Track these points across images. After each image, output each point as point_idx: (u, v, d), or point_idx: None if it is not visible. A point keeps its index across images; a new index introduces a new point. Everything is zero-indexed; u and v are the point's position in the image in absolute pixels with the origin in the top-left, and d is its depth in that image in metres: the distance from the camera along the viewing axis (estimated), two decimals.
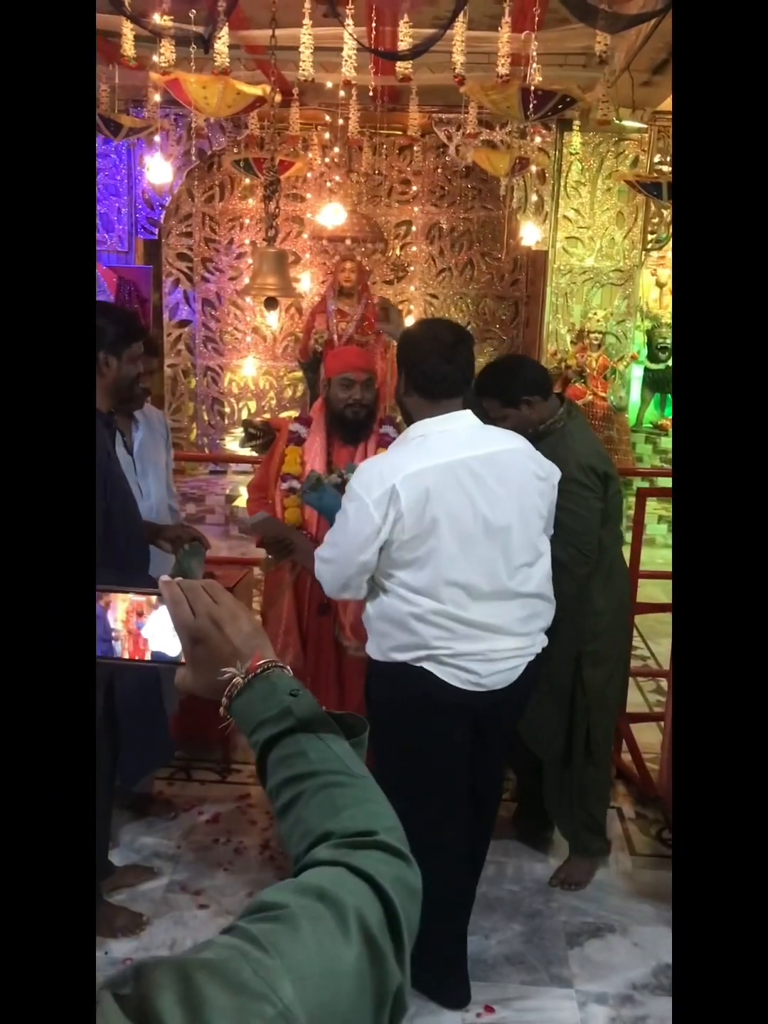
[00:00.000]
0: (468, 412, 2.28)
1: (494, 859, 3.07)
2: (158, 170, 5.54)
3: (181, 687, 1.06)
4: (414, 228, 7.83)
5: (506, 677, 2.30)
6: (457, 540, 2.17)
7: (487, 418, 2.57)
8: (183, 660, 1.04)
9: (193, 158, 6.76)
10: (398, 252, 7.85)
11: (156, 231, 7.15)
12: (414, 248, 7.86)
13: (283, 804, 0.95)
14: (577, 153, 6.52)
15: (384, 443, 2.99)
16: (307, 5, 3.45)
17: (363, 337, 7.16)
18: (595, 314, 6.80)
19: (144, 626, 1.06)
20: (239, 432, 7.78)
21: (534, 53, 3.83)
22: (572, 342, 6.88)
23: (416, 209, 7.77)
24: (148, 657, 1.06)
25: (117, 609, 1.06)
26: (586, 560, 2.73)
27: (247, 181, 7.13)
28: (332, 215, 6.87)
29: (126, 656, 1.05)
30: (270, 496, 3.05)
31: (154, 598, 1.05)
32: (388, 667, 2.29)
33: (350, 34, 3.22)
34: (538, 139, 6.44)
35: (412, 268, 7.90)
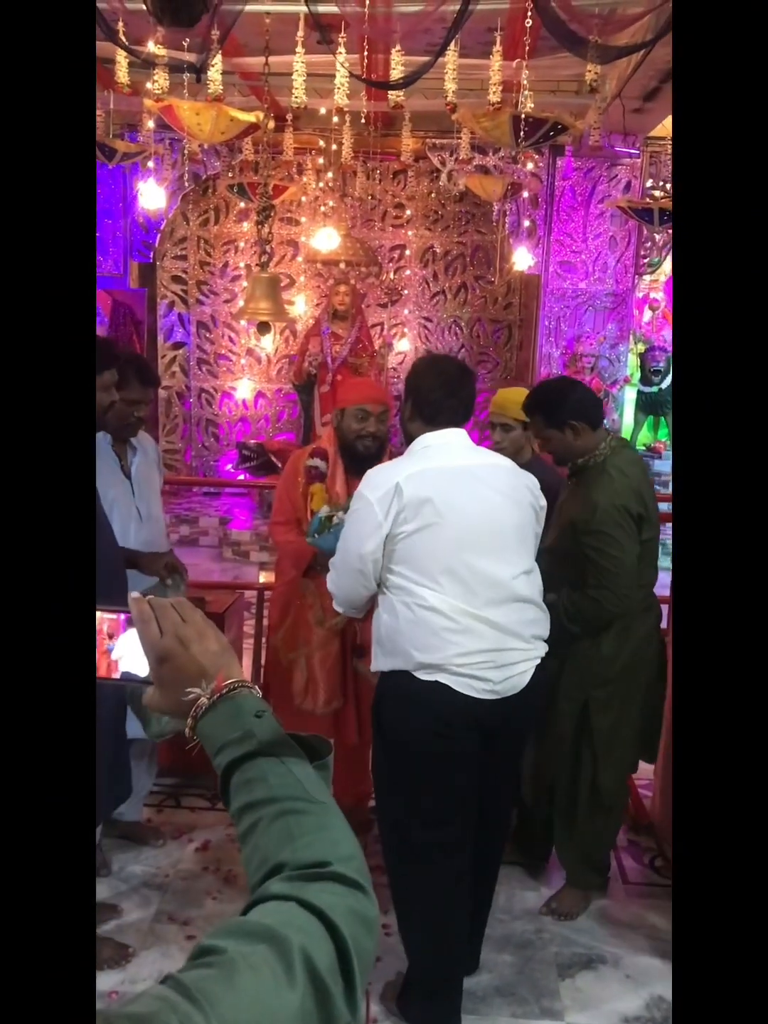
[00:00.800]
0: (464, 431, 2.40)
1: None
2: (151, 195, 5.57)
3: (150, 706, 1.04)
4: (408, 252, 7.87)
5: (517, 682, 2.33)
6: (462, 535, 2.25)
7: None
8: (152, 679, 1.02)
9: (187, 183, 6.79)
10: (392, 276, 7.89)
11: (151, 254, 7.18)
12: (408, 272, 7.90)
13: (243, 830, 0.93)
14: (569, 178, 6.57)
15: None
16: (300, 33, 3.48)
17: (357, 359, 7.18)
18: (588, 337, 6.83)
19: (114, 646, 1.04)
20: (234, 454, 7.79)
21: (525, 81, 3.86)
22: (566, 366, 6.90)
23: (410, 233, 7.81)
24: (117, 676, 1.04)
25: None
26: (622, 601, 2.68)
27: (242, 205, 7.16)
28: (326, 239, 6.90)
29: (96, 674, 1.03)
30: (299, 533, 3.04)
31: (124, 616, 1.04)
32: (399, 686, 2.31)
33: (342, 64, 3.24)
34: (530, 165, 6.49)
35: (406, 291, 7.94)
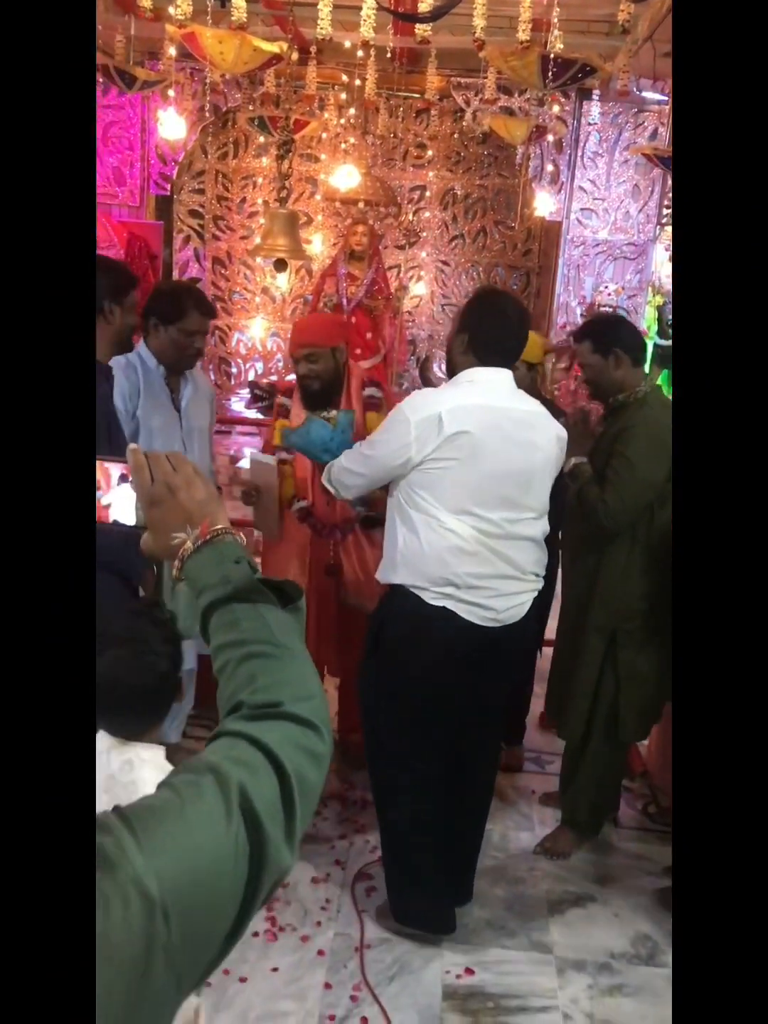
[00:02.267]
0: (509, 372, 2.46)
1: None
2: (171, 125, 5.48)
3: (144, 550, 1.11)
4: (428, 193, 7.75)
5: (515, 613, 2.47)
6: (492, 473, 2.34)
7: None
8: (142, 524, 1.10)
9: (208, 114, 6.68)
10: (411, 217, 7.79)
11: (168, 187, 7.09)
12: (427, 214, 7.79)
13: (217, 670, 0.98)
14: (595, 123, 6.44)
15: (371, 406, 3.07)
16: None
17: (372, 301, 7.12)
18: (607, 287, 6.76)
19: (108, 494, 1.12)
20: (246, 392, 7.77)
21: (556, 19, 3.76)
22: (581, 315, 6.84)
23: (431, 174, 7.69)
24: (110, 521, 1.13)
25: None
26: (616, 517, 2.73)
27: (261, 139, 7.05)
28: (346, 177, 6.80)
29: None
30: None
31: (122, 467, 1.12)
32: (407, 606, 2.42)
33: None
34: (556, 108, 6.36)
35: (425, 234, 7.84)
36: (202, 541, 1.05)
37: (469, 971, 2.55)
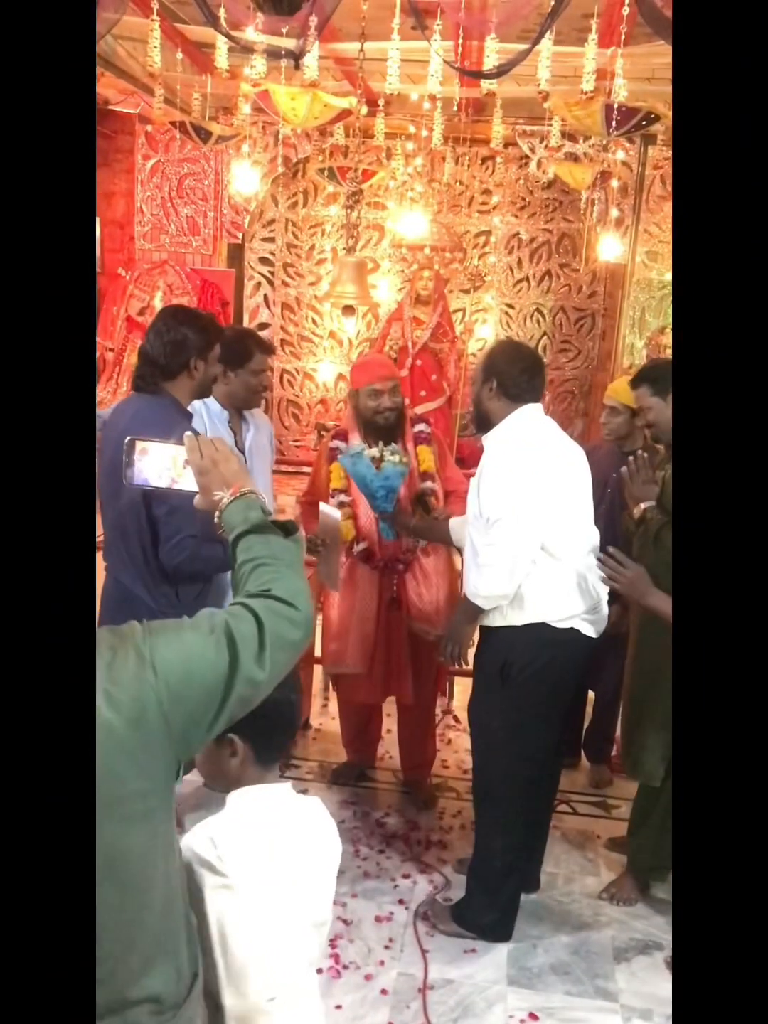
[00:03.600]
0: (540, 405, 2.71)
1: (545, 869, 3.09)
2: (245, 178, 5.66)
3: (197, 506, 1.56)
4: (493, 238, 7.85)
5: (601, 627, 2.75)
6: (567, 505, 2.62)
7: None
8: (197, 489, 1.56)
9: (279, 165, 6.89)
10: (476, 262, 7.88)
11: (240, 235, 7.31)
12: (492, 258, 7.88)
13: (235, 581, 1.42)
14: (660, 168, 6.48)
15: (422, 440, 3.20)
16: (396, 19, 3.51)
17: (437, 345, 7.21)
18: (672, 329, 6.74)
19: (176, 469, 1.61)
20: (314, 437, 7.90)
21: (619, 69, 3.83)
22: (647, 357, 6.82)
23: (496, 219, 7.79)
24: (176, 487, 1.61)
25: (157, 455, 1.61)
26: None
27: (330, 188, 7.24)
28: (412, 224, 6.93)
29: (162, 485, 1.61)
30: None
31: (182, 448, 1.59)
32: (536, 635, 2.63)
33: (436, 51, 3.27)
34: (621, 153, 6.42)
35: (490, 278, 7.93)
36: (233, 497, 1.50)
37: (533, 1016, 2.52)
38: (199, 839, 1.53)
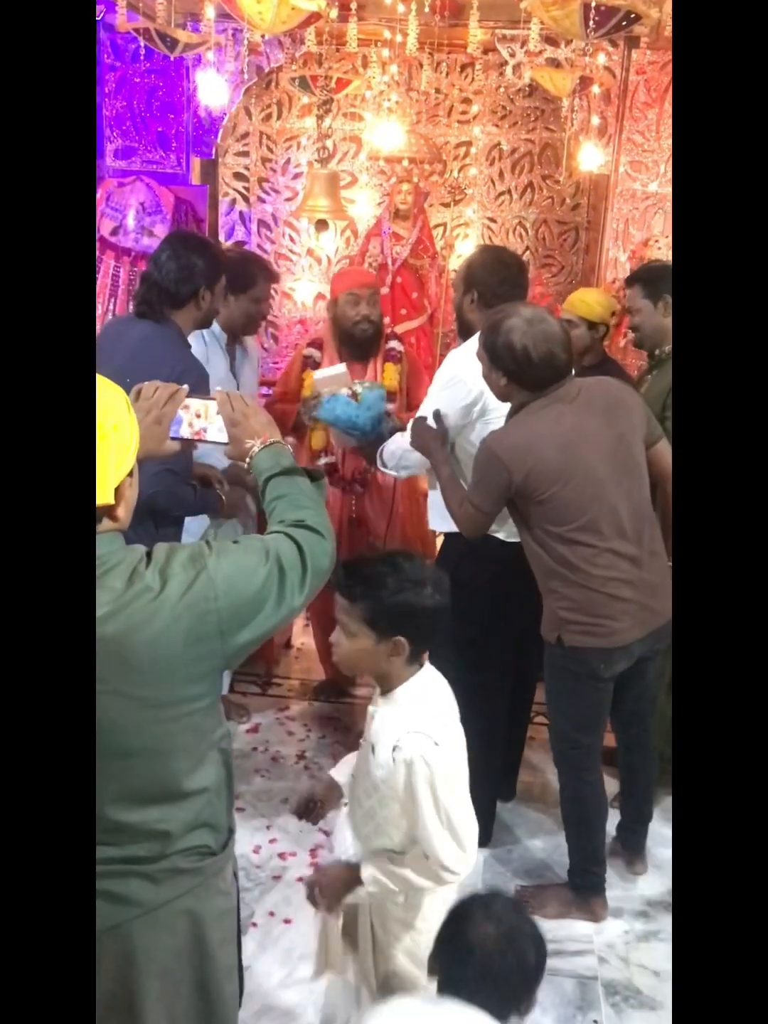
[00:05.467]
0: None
1: (521, 778, 3.16)
2: (212, 88, 5.47)
3: (227, 456, 1.80)
4: (474, 149, 7.65)
5: None
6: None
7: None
8: (227, 440, 1.77)
9: (248, 76, 6.64)
10: (456, 174, 7.70)
11: (213, 150, 7.09)
12: (473, 170, 7.69)
13: (269, 514, 1.66)
14: (644, 73, 6.29)
15: (391, 358, 3.16)
16: None
17: (418, 260, 7.08)
18: (657, 242, 6.62)
19: (209, 421, 1.78)
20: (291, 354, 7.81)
21: None
22: (630, 270, 6.73)
23: (476, 130, 7.58)
24: (206, 438, 1.79)
25: (189, 408, 1.75)
26: None
27: (304, 100, 7.01)
28: (389, 135, 6.74)
29: (188, 436, 1.76)
30: (288, 417, 3.25)
31: (213, 402, 1.79)
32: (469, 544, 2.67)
33: None
34: (603, 58, 6.21)
35: (471, 191, 7.75)
36: (263, 446, 1.72)
37: None
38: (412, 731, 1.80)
